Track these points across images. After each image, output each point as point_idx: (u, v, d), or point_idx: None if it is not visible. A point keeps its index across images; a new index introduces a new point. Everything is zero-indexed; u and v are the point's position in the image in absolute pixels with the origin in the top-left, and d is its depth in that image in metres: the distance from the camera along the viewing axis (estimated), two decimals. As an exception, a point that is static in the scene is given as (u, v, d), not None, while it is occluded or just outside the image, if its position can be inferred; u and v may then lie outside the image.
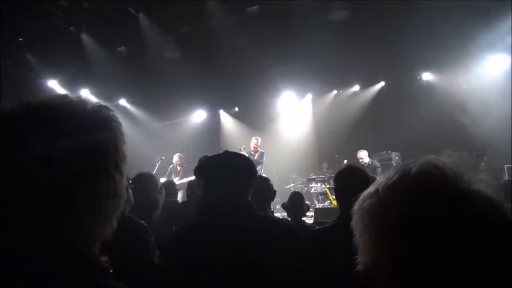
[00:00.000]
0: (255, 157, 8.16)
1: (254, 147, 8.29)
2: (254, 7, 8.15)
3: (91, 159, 0.66)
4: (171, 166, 8.47)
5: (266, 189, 2.71)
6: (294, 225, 1.72)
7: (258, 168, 8.06)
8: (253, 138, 8.43)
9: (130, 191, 2.41)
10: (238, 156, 1.77)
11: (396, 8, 7.37)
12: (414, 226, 0.60)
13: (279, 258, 1.46)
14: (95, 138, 0.68)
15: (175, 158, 8.50)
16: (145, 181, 3.18)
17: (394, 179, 0.65)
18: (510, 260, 0.57)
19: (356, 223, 0.68)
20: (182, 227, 1.73)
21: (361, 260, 0.66)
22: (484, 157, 8.03)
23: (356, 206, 0.68)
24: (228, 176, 1.63)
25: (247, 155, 8.05)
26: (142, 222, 2.22)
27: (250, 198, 1.68)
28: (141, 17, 7.64)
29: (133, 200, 2.41)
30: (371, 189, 0.68)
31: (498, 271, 0.57)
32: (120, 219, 0.75)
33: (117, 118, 0.75)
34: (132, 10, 7.57)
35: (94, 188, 0.67)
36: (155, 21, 7.88)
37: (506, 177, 6.83)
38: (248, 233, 1.50)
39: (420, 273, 0.59)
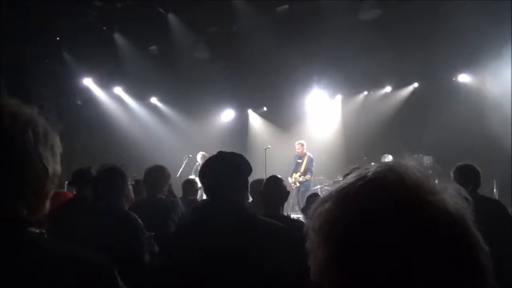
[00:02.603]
0: (304, 162, 8.11)
1: (300, 152, 8.27)
2: (284, 6, 8.11)
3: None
4: (196, 164, 8.54)
5: (278, 188, 2.68)
6: (284, 227, 1.72)
7: (307, 176, 8.04)
8: (296, 143, 8.41)
9: (131, 187, 2.46)
10: (230, 157, 1.77)
11: (430, 5, 7.10)
12: (360, 234, 0.54)
13: (269, 258, 1.50)
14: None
15: (200, 158, 8.47)
16: (156, 176, 3.16)
17: (348, 183, 0.60)
18: (457, 275, 0.52)
19: (308, 229, 0.62)
20: (178, 228, 1.81)
21: (311, 270, 0.61)
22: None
23: (310, 211, 0.63)
24: (219, 180, 1.67)
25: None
26: (136, 217, 2.26)
27: (249, 197, 1.71)
28: (170, 17, 7.78)
29: (133, 197, 2.44)
30: (327, 193, 0.63)
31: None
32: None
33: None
34: (162, 10, 7.71)
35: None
36: (184, 21, 8.01)
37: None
38: (238, 234, 1.54)
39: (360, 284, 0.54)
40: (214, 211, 1.65)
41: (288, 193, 2.74)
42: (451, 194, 0.57)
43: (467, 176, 3.04)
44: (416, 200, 0.55)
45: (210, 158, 1.78)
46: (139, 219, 2.27)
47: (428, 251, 0.52)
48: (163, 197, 3.14)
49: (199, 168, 8.33)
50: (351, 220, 0.56)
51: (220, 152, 1.78)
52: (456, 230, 0.54)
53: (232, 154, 1.78)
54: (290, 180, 8.13)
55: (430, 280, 0.51)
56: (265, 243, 1.53)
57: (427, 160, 8.60)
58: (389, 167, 0.59)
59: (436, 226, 0.53)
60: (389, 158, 7.96)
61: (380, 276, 0.52)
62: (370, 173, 0.59)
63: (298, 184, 8.05)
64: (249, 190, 1.80)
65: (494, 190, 7.42)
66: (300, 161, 8.33)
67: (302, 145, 8.37)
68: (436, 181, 0.59)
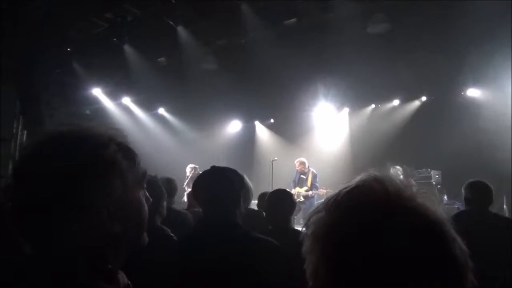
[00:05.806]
0: (309, 178, 8.02)
1: (301, 169, 8.19)
2: (292, 19, 8.15)
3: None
4: (186, 176, 8.34)
5: (282, 199, 2.69)
6: (274, 242, 1.73)
7: (321, 191, 7.97)
8: (296, 161, 8.37)
9: (165, 202, 2.36)
10: (223, 172, 1.78)
11: (439, 19, 7.09)
12: (348, 239, 0.60)
13: (260, 275, 1.53)
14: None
15: (189, 170, 8.18)
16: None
17: (338, 193, 0.67)
18: (438, 273, 0.57)
19: (304, 235, 0.68)
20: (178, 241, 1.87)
21: (307, 274, 0.66)
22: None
23: (305, 220, 0.69)
24: (212, 196, 1.71)
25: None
26: (172, 235, 2.18)
27: (241, 210, 1.74)
28: (180, 29, 7.86)
29: (165, 213, 2.34)
30: (321, 203, 0.69)
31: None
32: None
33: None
34: (171, 23, 7.80)
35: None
36: (193, 34, 8.09)
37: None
38: (228, 252, 1.58)
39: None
40: (206, 228, 1.69)
41: (294, 204, 2.71)
42: (430, 200, 0.63)
43: (479, 193, 2.98)
44: (398, 205, 0.61)
45: (203, 172, 1.80)
46: (173, 236, 2.17)
47: (406, 250, 0.57)
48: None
49: (188, 181, 8.30)
50: (338, 224, 0.62)
51: (213, 167, 1.80)
52: (433, 231, 0.60)
53: (225, 169, 1.79)
54: (293, 191, 8.05)
55: (408, 277, 0.56)
56: (257, 260, 1.56)
57: (435, 174, 8.52)
58: (374, 177, 0.66)
59: (414, 228, 0.59)
60: (398, 169, 7.84)
61: (363, 274, 0.57)
62: (355, 184, 0.66)
63: (302, 199, 7.97)
64: (242, 204, 1.81)
65: (504, 206, 7.30)
66: (304, 176, 8.26)
67: (302, 163, 8.31)
68: (415, 189, 0.65)
